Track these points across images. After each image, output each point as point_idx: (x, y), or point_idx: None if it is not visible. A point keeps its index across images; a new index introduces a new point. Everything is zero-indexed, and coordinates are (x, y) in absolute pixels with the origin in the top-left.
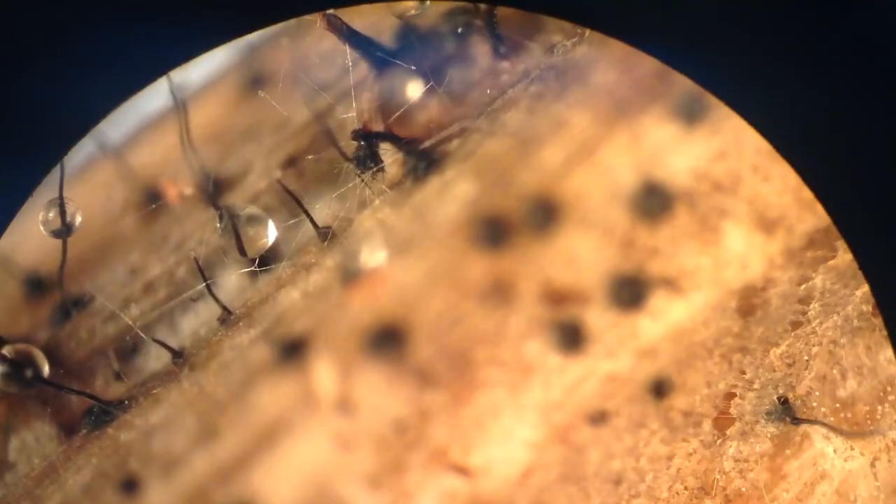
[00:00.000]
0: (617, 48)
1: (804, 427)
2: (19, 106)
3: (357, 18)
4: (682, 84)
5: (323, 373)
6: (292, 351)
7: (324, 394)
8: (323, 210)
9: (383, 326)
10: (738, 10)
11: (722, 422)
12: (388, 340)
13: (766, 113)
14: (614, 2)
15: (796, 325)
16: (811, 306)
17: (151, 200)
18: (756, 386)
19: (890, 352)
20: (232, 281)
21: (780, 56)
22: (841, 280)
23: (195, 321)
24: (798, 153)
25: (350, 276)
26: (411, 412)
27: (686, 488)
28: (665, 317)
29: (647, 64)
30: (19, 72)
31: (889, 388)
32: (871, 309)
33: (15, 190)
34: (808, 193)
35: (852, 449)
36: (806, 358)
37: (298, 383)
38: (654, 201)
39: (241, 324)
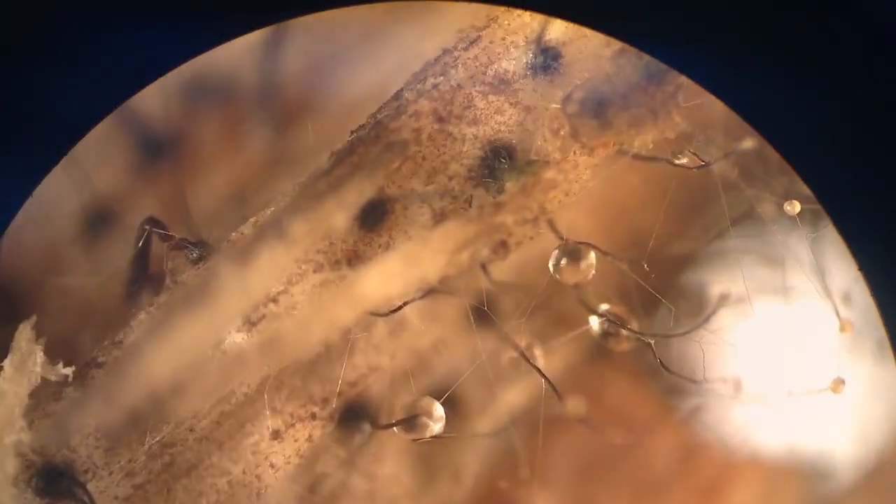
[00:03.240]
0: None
1: None
2: (19, 106)
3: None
4: None
5: None
6: None
7: None
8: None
9: None
10: (740, 10)
11: None
12: None
13: (765, 113)
14: (614, 2)
15: None
16: None
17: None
18: None
19: None
20: None
21: (781, 56)
22: None
23: None
24: (799, 153)
25: None
26: None
27: None
28: None
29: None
30: (19, 72)
31: None
32: None
33: (15, 189)
34: None
35: None
36: None
37: None
38: None
39: None
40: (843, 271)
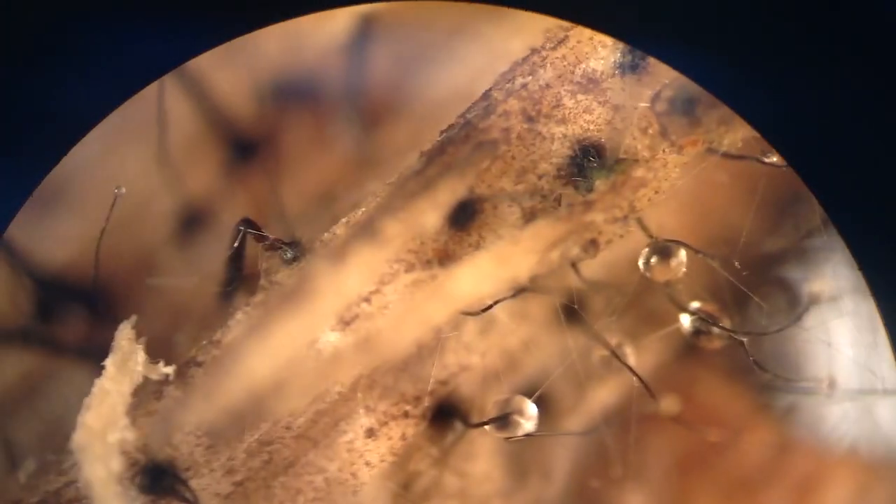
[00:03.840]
0: None
1: None
2: (19, 106)
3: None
4: None
5: None
6: None
7: None
8: None
9: None
10: (741, 10)
11: None
12: None
13: (766, 113)
14: (615, 2)
15: None
16: None
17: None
18: None
19: None
20: None
21: (782, 56)
22: None
23: None
24: (799, 154)
25: None
26: None
27: None
28: None
29: None
30: (19, 72)
31: None
32: None
33: (15, 190)
34: None
35: None
36: None
37: None
38: None
39: None
40: None
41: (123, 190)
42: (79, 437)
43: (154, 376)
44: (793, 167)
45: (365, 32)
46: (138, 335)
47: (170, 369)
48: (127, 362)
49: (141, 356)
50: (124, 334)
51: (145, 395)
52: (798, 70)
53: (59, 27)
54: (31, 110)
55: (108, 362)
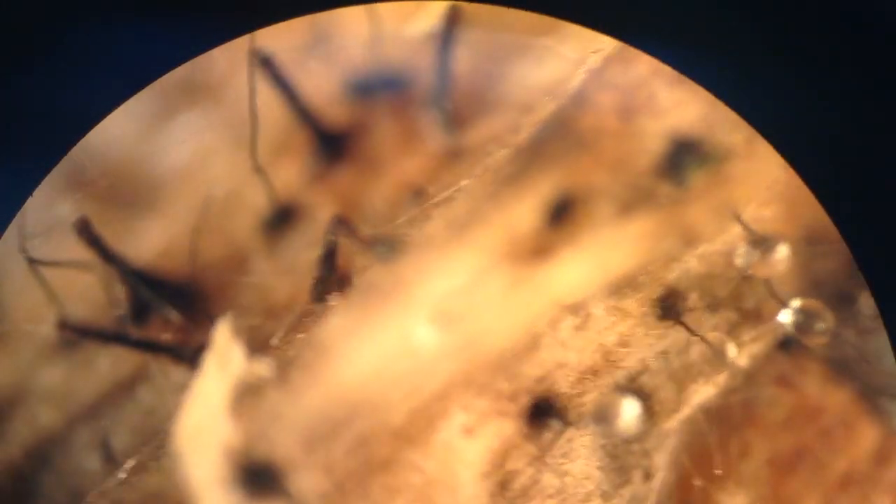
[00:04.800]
0: None
1: None
2: (19, 106)
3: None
4: None
5: None
6: None
7: None
8: None
9: None
10: (742, 10)
11: None
12: None
13: (768, 114)
14: (616, 2)
15: None
16: None
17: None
18: None
19: None
20: None
21: (783, 56)
22: None
23: None
24: (800, 154)
25: None
26: None
27: None
28: None
29: None
30: (19, 72)
31: None
32: None
33: (15, 190)
34: None
35: None
36: None
37: None
38: None
39: None
40: None
41: (219, 190)
42: (178, 437)
43: (252, 374)
44: (793, 167)
45: (451, 28)
46: (235, 333)
47: (267, 367)
48: (225, 360)
49: (239, 354)
50: (222, 332)
51: (243, 394)
52: (799, 70)
53: (59, 27)
54: (32, 110)
55: (207, 360)
